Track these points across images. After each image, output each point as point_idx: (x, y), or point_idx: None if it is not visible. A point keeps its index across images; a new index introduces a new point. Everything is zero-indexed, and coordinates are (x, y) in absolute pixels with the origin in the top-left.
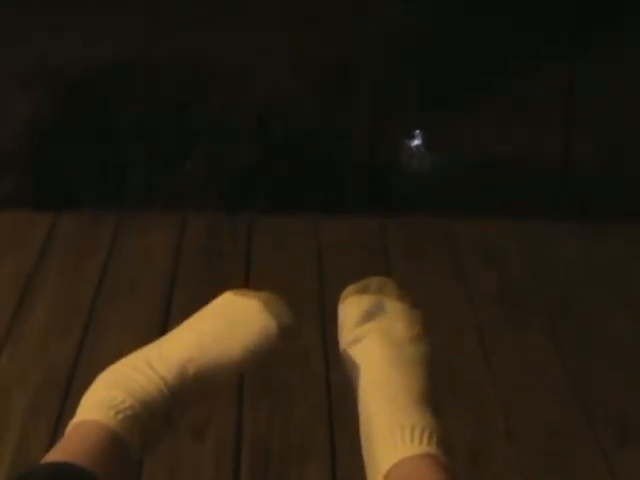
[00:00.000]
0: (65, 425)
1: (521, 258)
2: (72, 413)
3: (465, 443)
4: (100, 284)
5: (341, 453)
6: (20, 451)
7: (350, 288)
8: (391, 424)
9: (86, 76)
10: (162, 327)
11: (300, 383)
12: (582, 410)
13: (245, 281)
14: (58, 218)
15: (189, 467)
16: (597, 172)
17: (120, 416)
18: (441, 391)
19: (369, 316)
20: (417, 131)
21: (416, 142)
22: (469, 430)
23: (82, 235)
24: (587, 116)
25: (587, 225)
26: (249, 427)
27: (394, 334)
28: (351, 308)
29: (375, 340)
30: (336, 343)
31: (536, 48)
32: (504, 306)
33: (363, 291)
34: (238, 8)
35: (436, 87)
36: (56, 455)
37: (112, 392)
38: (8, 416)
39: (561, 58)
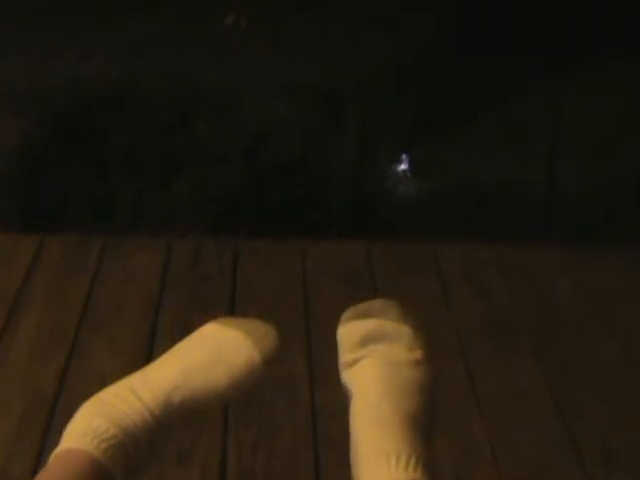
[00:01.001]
0: (49, 451)
1: (506, 285)
2: (56, 438)
3: (450, 471)
4: (85, 308)
5: (326, 477)
6: (3, 477)
7: (351, 311)
8: (377, 450)
9: (73, 101)
10: (148, 352)
11: (285, 407)
12: (568, 438)
13: (231, 306)
14: (44, 241)
15: None
16: (582, 199)
17: (104, 445)
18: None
19: (368, 339)
20: (403, 156)
21: (402, 168)
22: (454, 458)
23: (68, 259)
24: (572, 142)
25: (572, 252)
26: (234, 452)
27: (392, 357)
28: (351, 331)
29: (370, 363)
30: (321, 366)
31: (520, 74)
32: (490, 333)
33: (364, 316)
34: (226, 34)
35: (422, 113)
36: None
37: (96, 421)
38: None
39: (545, 85)
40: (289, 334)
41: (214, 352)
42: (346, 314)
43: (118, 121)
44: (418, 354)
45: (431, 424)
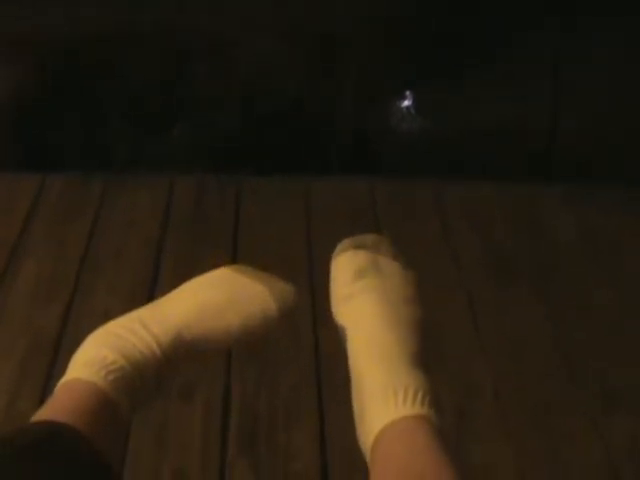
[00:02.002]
0: (52, 391)
1: (507, 222)
2: (59, 379)
3: (452, 407)
4: (87, 249)
5: (329, 416)
6: (8, 418)
7: (345, 242)
8: (384, 385)
9: (70, 44)
10: (149, 291)
11: (288, 345)
12: (569, 373)
13: (233, 245)
14: (44, 183)
15: (177, 428)
16: (584, 137)
17: (110, 376)
18: (427, 352)
19: (363, 273)
20: (407, 93)
21: (405, 104)
22: (456, 394)
23: (68, 199)
24: (575, 79)
25: (574, 191)
26: (237, 390)
27: (388, 293)
28: (345, 263)
29: (369, 298)
30: (325, 303)
31: (524, 12)
32: (491, 269)
33: (358, 246)
34: None
35: (424, 51)
36: (44, 414)
37: (103, 352)
38: None
39: (548, 24)
40: (292, 272)
41: (231, 296)
42: (341, 245)
43: (117, 63)
44: (410, 290)
45: (427, 360)
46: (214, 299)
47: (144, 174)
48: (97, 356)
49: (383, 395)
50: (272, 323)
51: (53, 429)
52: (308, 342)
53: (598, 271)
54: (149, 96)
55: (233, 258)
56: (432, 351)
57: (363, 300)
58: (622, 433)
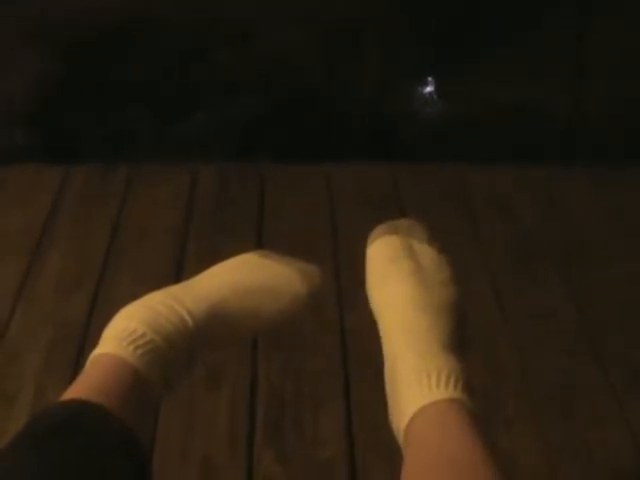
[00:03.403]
0: None
1: (533, 206)
2: None
3: (479, 389)
4: (112, 237)
5: (356, 399)
6: (37, 403)
7: (379, 228)
8: (417, 369)
9: (92, 31)
10: (175, 278)
11: (314, 329)
12: (595, 355)
13: (258, 231)
14: (69, 172)
15: (204, 415)
16: (605, 117)
17: (140, 351)
18: (464, 336)
19: (398, 257)
20: (429, 79)
21: (427, 90)
22: (482, 375)
23: (93, 188)
24: (596, 62)
25: (599, 171)
26: (263, 374)
27: (423, 276)
28: (380, 249)
29: (403, 280)
30: (350, 288)
31: None
32: (516, 254)
33: (392, 232)
34: None
35: (446, 36)
36: (73, 391)
37: (132, 325)
38: (23, 372)
39: (568, 5)
40: (316, 256)
41: (259, 278)
42: (375, 231)
43: (137, 51)
44: (445, 274)
45: (464, 345)
46: (244, 280)
47: (166, 163)
48: (126, 329)
49: (417, 378)
50: (301, 303)
51: (80, 408)
52: (334, 327)
53: (621, 251)
54: (168, 83)
55: (258, 244)
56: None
57: (397, 283)
58: None
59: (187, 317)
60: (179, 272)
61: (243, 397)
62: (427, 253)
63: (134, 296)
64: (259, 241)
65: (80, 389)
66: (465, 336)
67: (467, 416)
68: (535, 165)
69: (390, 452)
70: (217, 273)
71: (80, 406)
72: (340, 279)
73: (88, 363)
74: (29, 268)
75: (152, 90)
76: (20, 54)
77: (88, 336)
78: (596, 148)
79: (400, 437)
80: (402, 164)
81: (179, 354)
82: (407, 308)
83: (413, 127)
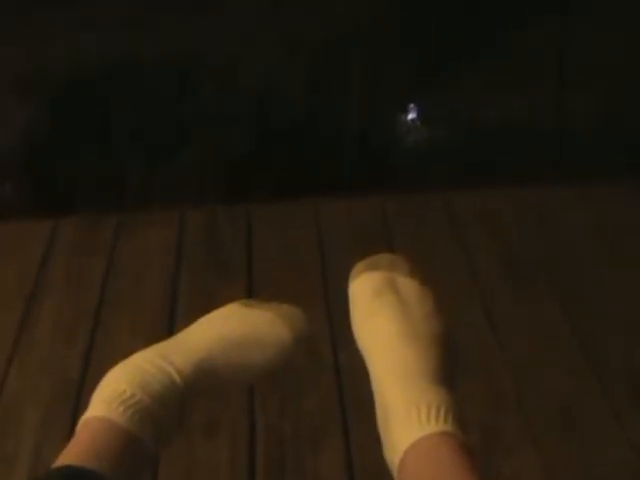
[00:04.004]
0: None
1: (521, 226)
2: None
3: (476, 416)
4: (104, 287)
5: (355, 436)
6: (36, 462)
7: (360, 266)
8: (407, 403)
9: (77, 79)
10: (169, 325)
11: (310, 371)
12: (593, 373)
13: (248, 272)
14: (58, 224)
15: (205, 463)
16: (592, 133)
17: (130, 411)
18: (451, 367)
19: (381, 292)
20: (411, 105)
21: (410, 117)
22: (480, 403)
23: (83, 239)
24: (579, 76)
25: (585, 187)
26: (261, 418)
27: (407, 310)
28: (362, 286)
29: (388, 316)
30: (343, 326)
31: (521, 11)
32: (508, 275)
33: (373, 268)
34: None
35: (425, 62)
36: (65, 457)
37: (121, 386)
38: (22, 428)
39: (548, 20)
40: (308, 294)
41: (246, 328)
42: (356, 268)
43: (122, 95)
44: (429, 307)
45: (453, 377)
46: (230, 333)
47: (154, 208)
48: (115, 391)
49: (407, 413)
50: (288, 349)
51: (73, 475)
52: (329, 366)
53: (614, 266)
54: (154, 126)
55: (248, 287)
56: (454, 363)
57: (382, 319)
58: None
59: (175, 375)
60: (173, 318)
61: (242, 442)
62: (410, 286)
63: (130, 344)
64: (250, 284)
65: (73, 454)
66: (453, 368)
67: (459, 449)
68: (525, 184)
69: None
70: (203, 327)
71: (73, 473)
72: (332, 316)
73: (79, 426)
74: (23, 320)
75: (138, 135)
76: (6, 108)
77: (85, 388)
78: (582, 164)
79: (394, 472)
80: (390, 194)
81: (170, 411)
82: (394, 343)
83: (399, 155)
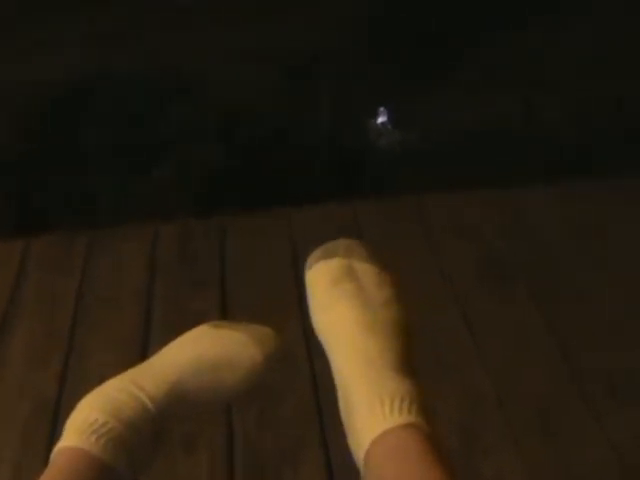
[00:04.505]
0: None
1: (496, 227)
2: None
3: (456, 419)
4: (77, 305)
5: (334, 446)
6: None
7: (316, 253)
8: (370, 396)
9: (47, 97)
10: (144, 341)
11: (285, 380)
12: (571, 374)
13: (222, 285)
14: (30, 243)
15: (184, 479)
16: (562, 134)
17: (102, 440)
18: (428, 368)
19: (339, 281)
20: (381, 109)
21: (381, 121)
22: (459, 406)
23: (55, 259)
24: (547, 77)
25: (557, 186)
26: (240, 432)
27: (366, 298)
28: (319, 274)
29: (347, 305)
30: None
31: (489, 16)
32: (483, 278)
33: (330, 255)
34: (185, 13)
35: (393, 67)
36: None
37: (93, 415)
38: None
39: (514, 25)
40: (282, 305)
41: (217, 351)
42: (312, 256)
43: (92, 113)
44: (388, 292)
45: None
46: (200, 355)
47: (127, 225)
48: (87, 420)
49: (370, 406)
50: (260, 370)
51: None
52: (305, 375)
53: (589, 266)
54: (125, 143)
55: (222, 300)
56: (431, 365)
57: (341, 308)
58: (629, 428)
59: (147, 401)
60: (147, 334)
61: (221, 456)
62: (368, 272)
63: (105, 362)
64: (224, 296)
65: None
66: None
67: (424, 440)
68: (497, 185)
69: None
70: (174, 351)
71: None
72: (306, 325)
73: (53, 457)
74: None
75: (108, 154)
76: None
77: (61, 409)
78: (554, 165)
79: (360, 467)
80: (362, 199)
81: (143, 438)
82: (354, 333)
83: (371, 160)
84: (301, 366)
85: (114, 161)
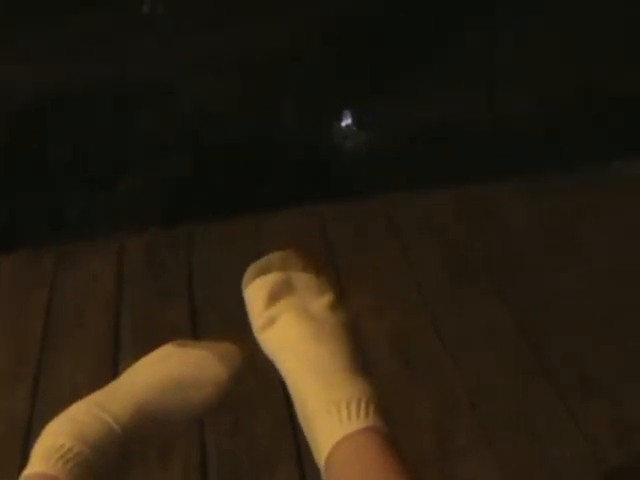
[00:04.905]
0: None
1: (463, 226)
2: None
3: (428, 421)
4: (47, 321)
5: (308, 458)
6: None
7: (251, 270)
8: (326, 402)
9: (12, 111)
10: (114, 355)
11: (258, 389)
12: (541, 369)
13: (190, 295)
14: None
15: None
16: (527, 128)
17: (69, 465)
18: (399, 371)
19: (277, 296)
20: (346, 112)
21: (346, 123)
22: (432, 408)
23: (23, 275)
24: (510, 73)
25: (524, 182)
26: (213, 443)
27: (307, 307)
28: (257, 291)
29: (289, 318)
30: None
31: (455, 15)
32: (452, 277)
33: (266, 270)
34: (147, 22)
35: (357, 69)
36: None
37: (59, 440)
38: None
39: (478, 21)
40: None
41: (182, 370)
42: (248, 274)
43: (57, 127)
44: (328, 297)
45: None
46: (165, 375)
47: (95, 238)
48: (53, 446)
49: (326, 414)
50: (225, 387)
51: None
52: (278, 383)
53: (557, 262)
54: (91, 154)
55: (191, 310)
56: (401, 369)
57: (284, 321)
58: (602, 421)
59: (113, 424)
60: (118, 347)
61: (195, 468)
62: (306, 281)
63: (75, 377)
64: (193, 307)
65: None
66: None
67: (383, 443)
68: (465, 183)
69: None
70: (137, 371)
71: None
72: None
73: None
74: None
75: (74, 167)
76: None
77: (33, 428)
78: (521, 161)
79: (322, 473)
80: (329, 203)
81: (110, 461)
82: (302, 343)
83: (337, 164)
84: (274, 376)
85: (80, 174)
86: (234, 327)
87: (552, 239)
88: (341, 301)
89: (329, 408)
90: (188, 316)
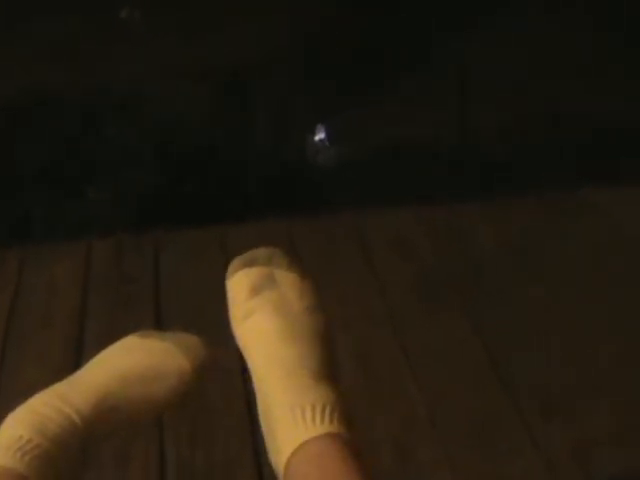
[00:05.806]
0: None
1: (431, 243)
2: None
3: (388, 437)
4: (9, 324)
5: (267, 463)
6: None
7: (237, 262)
8: (291, 404)
9: None
10: (76, 360)
11: (218, 397)
12: (504, 389)
13: (156, 303)
14: None
15: None
16: (497, 147)
17: (27, 457)
18: (360, 386)
19: (259, 289)
20: (318, 126)
21: (318, 138)
22: (391, 423)
23: None
24: (485, 92)
25: (492, 201)
26: (172, 448)
27: (286, 306)
28: (239, 282)
29: (266, 314)
30: None
31: (423, 30)
32: (418, 294)
33: (250, 264)
34: (122, 28)
35: (329, 83)
36: None
37: (18, 432)
38: None
39: (450, 39)
40: (218, 323)
41: (145, 361)
42: (232, 265)
43: (25, 130)
44: (308, 300)
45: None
46: (128, 366)
47: (60, 242)
48: (12, 437)
49: (291, 415)
50: (188, 378)
51: None
52: (239, 391)
53: (524, 281)
54: (60, 161)
55: (157, 316)
56: (362, 383)
57: (261, 316)
58: (562, 438)
59: (74, 415)
60: (80, 353)
61: (154, 473)
62: (289, 280)
63: (37, 381)
64: (158, 312)
65: None
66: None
67: (344, 450)
68: (433, 201)
69: None
70: (100, 362)
71: None
72: None
73: None
74: None
75: (42, 172)
76: None
77: None
78: (489, 180)
79: (279, 476)
80: (298, 216)
81: (70, 453)
82: (274, 341)
83: (307, 177)
84: (235, 382)
85: (47, 179)
86: (199, 334)
87: (518, 258)
88: (320, 307)
89: (294, 411)
90: (153, 323)
